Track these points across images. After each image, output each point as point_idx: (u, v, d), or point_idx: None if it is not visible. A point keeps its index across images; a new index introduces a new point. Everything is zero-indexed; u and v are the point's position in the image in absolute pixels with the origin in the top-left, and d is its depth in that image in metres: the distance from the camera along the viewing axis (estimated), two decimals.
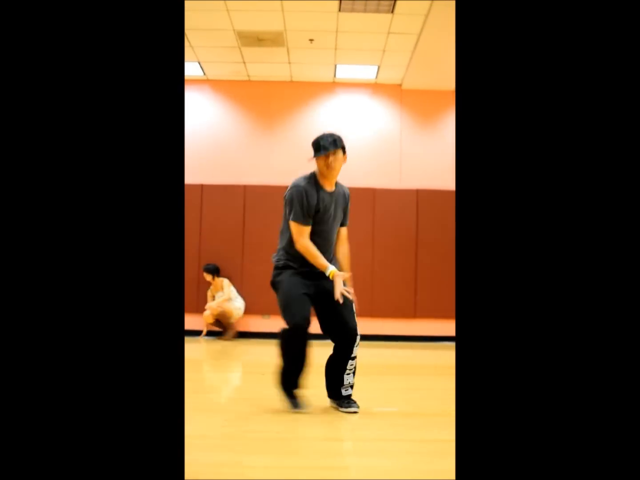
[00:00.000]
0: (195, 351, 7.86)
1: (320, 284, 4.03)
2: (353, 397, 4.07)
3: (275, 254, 4.19)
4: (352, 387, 4.08)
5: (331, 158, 3.96)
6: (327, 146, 3.96)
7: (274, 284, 4.15)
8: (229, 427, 3.51)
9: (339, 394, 4.07)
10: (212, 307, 9.12)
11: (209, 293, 9.38)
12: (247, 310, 9.43)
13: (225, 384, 3.99)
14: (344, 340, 4.05)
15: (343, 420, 3.81)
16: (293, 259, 4.06)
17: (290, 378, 4.03)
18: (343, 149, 4.05)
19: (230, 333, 9.25)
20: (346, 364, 4.05)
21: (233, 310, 9.18)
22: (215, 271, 9.33)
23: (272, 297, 10.22)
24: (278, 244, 4.19)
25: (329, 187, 4.08)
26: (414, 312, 9.64)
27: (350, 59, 9.15)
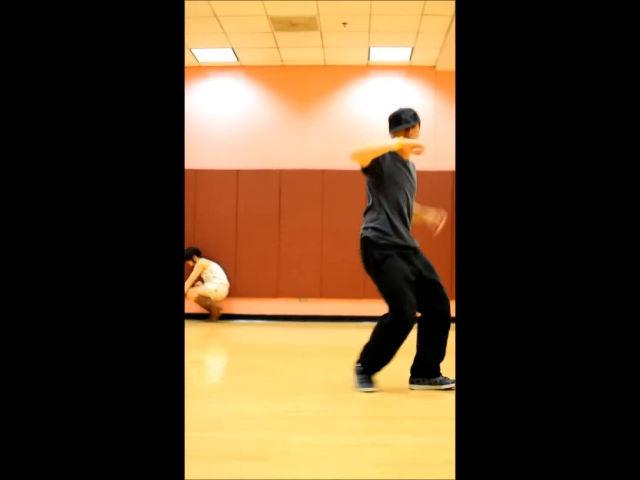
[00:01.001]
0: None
1: (416, 261, 4.16)
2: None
3: (368, 229, 4.10)
4: None
5: (411, 131, 4.18)
6: (408, 119, 4.20)
7: (378, 265, 4.05)
8: (271, 408, 3.58)
9: (436, 371, 4.14)
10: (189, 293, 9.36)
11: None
12: (282, 293, 9.55)
13: (257, 366, 4.07)
14: (441, 321, 4.14)
15: (381, 400, 3.86)
16: (392, 233, 4.05)
17: (380, 363, 4.10)
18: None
19: (214, 315, 9.37)
20: (446, 338, 4.14)
21: (209, 294, 9.32)
22: (194, 253, 9.43)
23: (306, 279, 10.22)
24: (366, 222, 4.14)
25: (406, 157, 4.21)
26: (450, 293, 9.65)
27: (384, 41, 9.12)
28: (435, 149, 9.89)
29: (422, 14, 8.06)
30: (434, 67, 9.97)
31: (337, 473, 2.44)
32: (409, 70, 10.06)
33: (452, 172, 9.71)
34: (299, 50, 9.50)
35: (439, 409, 3.64)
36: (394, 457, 2.68)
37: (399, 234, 4.06)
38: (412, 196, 4.19)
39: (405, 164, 4.16)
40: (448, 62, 9.61)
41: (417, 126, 4.23)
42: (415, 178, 4.26)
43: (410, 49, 9.37)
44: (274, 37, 8.96)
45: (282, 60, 9.90)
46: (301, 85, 10.10)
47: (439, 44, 9.07)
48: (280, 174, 9.76)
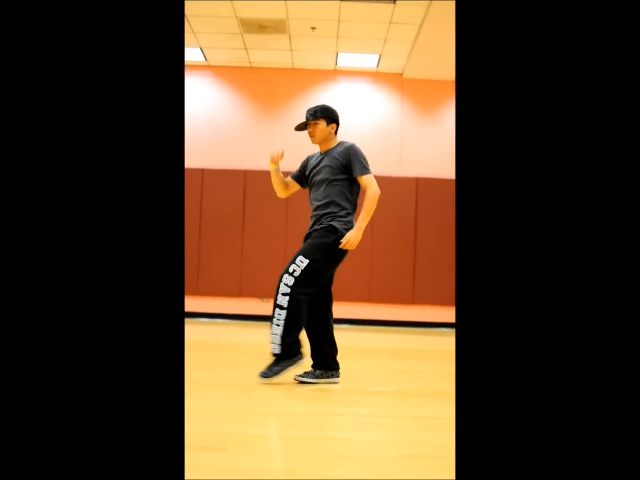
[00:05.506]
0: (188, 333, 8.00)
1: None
2: (332, 372, 4.35)
3: (343, 218, 4.39)
4: (280, 345, 4.18)
5: (310, 128, 4.48)
6: (307, 117, 4.48)
7: (332, 246, 4.30)
8: (232, 402, 3.64)
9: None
10: None
11: None
12: (244, 293, 9.58)
13: (219, 362, 4.13)
14: None
15: (334, 397, 3.95)
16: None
17: (296, 336, 4.22)
18: (326, 118, 4.46)
19: None
20: (273, 312, 4.21)
21: None
22: None
23: (269, 279, 10.26)
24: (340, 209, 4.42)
25: (322, 150, 4.58)
26: (412, 299, 9.80)
27: (351, 47, 9.24)
28: (400, 155, 10.03)
29: (390, 22, 8.19)
30: (401, 74, 10.11)
31: (296, 464, 2.52)
32: (376, 76, 10.19)
33: (416, 178, 9.85)
34: (267, 53, 9.57)
35: (389, 407, 3.73)
36: (350, 451, 2.77)
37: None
38: (317, 185, 4.57)
39: (317, 158, 4.62)
40: (415, 69, 9.76)
41: (317, 122, 4.47)
42: (325, 164, 4.48)
43: (377, 56, 9.50)
44: (243, 39, 9.02)
45: (250, 62, 9.96)
46: (268, 88, 10.17)
47: (406, 52, 9.21)
48: (245, 175, 9.81)
